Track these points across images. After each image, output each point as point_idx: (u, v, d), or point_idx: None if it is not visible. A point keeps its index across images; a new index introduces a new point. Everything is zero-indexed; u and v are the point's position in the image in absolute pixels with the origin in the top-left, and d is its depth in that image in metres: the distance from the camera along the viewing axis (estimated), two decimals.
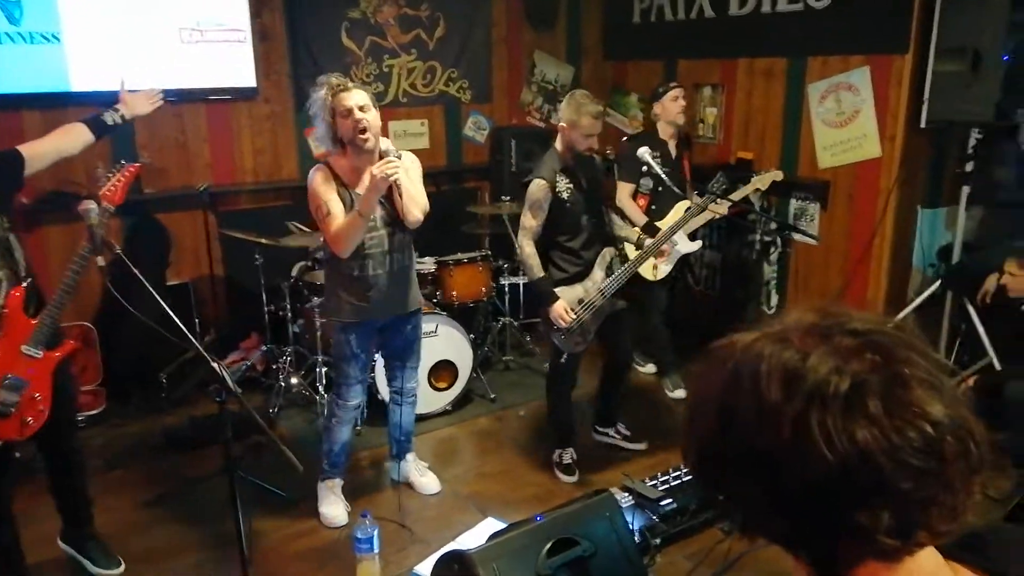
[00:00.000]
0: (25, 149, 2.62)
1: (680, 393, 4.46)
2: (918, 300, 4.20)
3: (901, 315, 4.17)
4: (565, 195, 3.28)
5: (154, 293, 2.19)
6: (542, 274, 3.29)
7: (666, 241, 3.56)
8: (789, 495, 0.70)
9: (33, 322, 2.47)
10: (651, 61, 5.59)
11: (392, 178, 2.81)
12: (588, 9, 5.95)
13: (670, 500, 3.15)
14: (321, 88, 2.91)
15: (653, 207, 4.35)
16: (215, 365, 2.19)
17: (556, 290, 3.30)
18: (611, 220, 3.60)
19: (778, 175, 4.02)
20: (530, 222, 3.27)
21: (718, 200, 3.79)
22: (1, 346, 2.41)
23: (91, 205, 2.36)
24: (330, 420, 3.23)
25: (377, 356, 3.51)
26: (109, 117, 2.87)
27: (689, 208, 4.05)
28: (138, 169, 2.77)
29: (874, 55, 4.18)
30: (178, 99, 4.52)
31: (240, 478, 2.70)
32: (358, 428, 3.89)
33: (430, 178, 5.33)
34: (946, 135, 4.16)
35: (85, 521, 2.94)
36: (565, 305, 3.27)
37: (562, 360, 3.48)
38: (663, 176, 3.72)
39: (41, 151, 2.67)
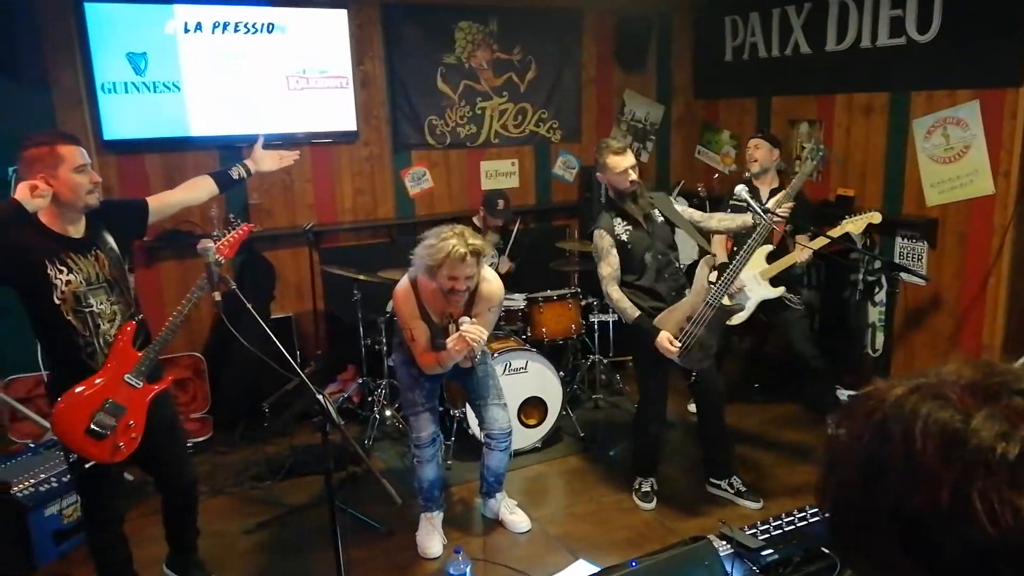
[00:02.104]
0: (153, 200, 2.82)
1: None
2: None
3: (1022, 361, 3.92)
4: (624, 237, 3.38)
5: (263, 325, 2.29)
6: (637, 313, 3.32)
7: (759, 242, 3.36)
8: (937, 562, 0.66)
9: (139, 354, 2.63)
10: (743, 98, 5.53)
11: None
12: (679, 48, 5.97)
13: (772, 551, 3.02)
14: (437, 243, 2.90)
15: (735, 248, 4.28)
16: (320, 397, 2.26)
17: (660, 318, 3.31)
18: (709, 223, 3.54)
19: (874, 217, 3.86)
20: (606, 269, 3.38)
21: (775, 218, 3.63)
22: (107, 373, 2.57)
23: (209, 244, 2.50)
24: (413, 460, 3.30)
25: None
26: (235, 172, 3.03)
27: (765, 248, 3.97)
28: (251, 229, 2.93)
29: (984, 88, 4.01)
30: (285, 143, 4.77)
31: (339, 508, 2.78)
32: (448, 463, 3.92)
33: (520, 216, 5.46)
34: None
35: (191, 549, 3.06)
36: (668, 335, 3.27)
37: (653, 395, 3.52)
38: (759, 213, 3.62)
39: (169, 202, 2.87)
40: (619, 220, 3.40)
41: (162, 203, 2.83)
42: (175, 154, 4.53)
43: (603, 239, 3.37)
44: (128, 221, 2.73)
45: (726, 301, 3.31)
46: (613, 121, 5.90)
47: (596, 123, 5.84)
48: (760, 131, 4.45)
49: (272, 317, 4.60)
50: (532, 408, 4.12)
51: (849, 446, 0.74)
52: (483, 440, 3.40)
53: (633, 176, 3.35)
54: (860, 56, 4.60)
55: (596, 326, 4.76)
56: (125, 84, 4.33)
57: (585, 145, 5.82)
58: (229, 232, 2.81)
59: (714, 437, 3.69)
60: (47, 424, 3.77)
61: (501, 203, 4.64)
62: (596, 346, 4.80)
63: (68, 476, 3.32)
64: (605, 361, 4.90)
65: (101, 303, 2.55)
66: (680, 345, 3.26)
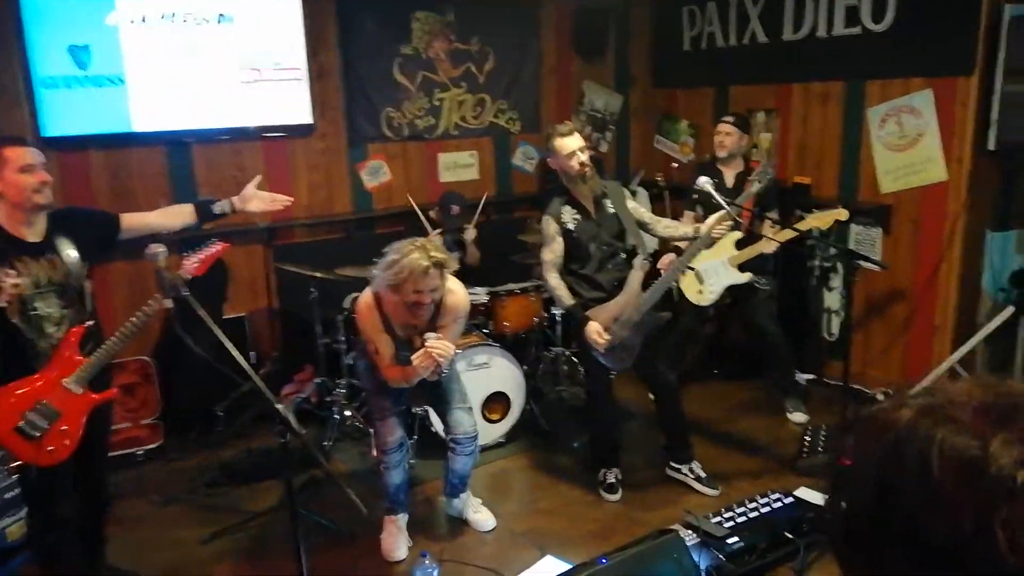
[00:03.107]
0: (129, 218, 2.81)
1: (799, 417, 4.29)
2: (990, 326, 4.01)
3: (971, 343, 4.00)
4: (571, 226, 3.42)
5: (219, 333, 2.21)
6: (572, 301, 3.41)
7: (692, 257, 3.45)
8: None
9: (83, 360, 2.58)
10: (702, 88, 5.54)
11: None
12: (637, 38, 5.94)
13: (737, 538, 3.03)
14: (400, 259, 2.83)
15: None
16: (278, 407, 2.19)
17: (591, 311, 3.37)
18: (656, 227, 3.55)
19: (842, 214, 3.89)
20: (548, 255, 3.45)
21: (740, 213, 3.68)
22: (46, 375, 2.54)
23: (159, 249, 2.47)
24: (380, 466, 3.22)
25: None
26: (219, 207, 3.00)
27: (737, 237, 4.01)
28: (225, 248, 2.86)
29: (937, 77, 4.06)
30: (236, 137, 4.64)
31: (300, 515, 2.70)
32: (412, 462, 3.86)
33: (474, 208, 5.39)
34: (1016, 156, 4.00)
35: (100, 553, 2.97)
36: (598, 327, 3.33)
37: (597, 383, 3.56)
38: (722, 205, 3.62)
39: (145, 223, 2.87)
40: (568, 208, 3.43)
41: (138, 222, 2.83)
42: (120, 151, 4.36)
43: (549, 225, 3.43)
44: (93, 231, 2.72)
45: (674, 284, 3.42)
46: (572, 111, 5.86)
47: (555, 113, 5.78)
48: (730, 115, 4.44)
49: (224, 317, 4.47)
50: (495, 403, 4.07)
51: (860, 467, 0.71)
52: (448, 443, 3.32)
53: (582, 158, 3.36)
54: (816, 45, 4.63)
55: (559, 318, 4.72)
56: (68, 79, 4.14)
57: (545, 135, 5.76)
58: (203, 250, 2.76)
59: (672, 424, 3.72)
60: None
61: (456, 209, 4.58)
62: (559, 338, 4.76)
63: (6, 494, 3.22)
64: (568, 353, 4.87)
65: (49, 307, 2.54)
66: (607, 339, 3.31)
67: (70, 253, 2.60)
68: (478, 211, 4.74)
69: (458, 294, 3.10)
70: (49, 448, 2.52)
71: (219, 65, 4.50)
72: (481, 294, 4.34)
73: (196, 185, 4.57)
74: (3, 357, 2.54)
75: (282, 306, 4.68)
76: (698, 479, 3.66)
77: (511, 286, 4.43)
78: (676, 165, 5.68)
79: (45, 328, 2.53)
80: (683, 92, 5.75)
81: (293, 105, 4.75)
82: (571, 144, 3.34)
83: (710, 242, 3.39)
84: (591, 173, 3.40)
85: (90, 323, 2.65)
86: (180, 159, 4.54)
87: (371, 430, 4.09)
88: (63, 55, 4.11)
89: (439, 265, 2.84)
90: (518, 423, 4.18)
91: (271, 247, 4.65)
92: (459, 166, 5.48)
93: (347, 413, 4.24)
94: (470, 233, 4.60)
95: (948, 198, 4.09)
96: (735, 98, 5.26)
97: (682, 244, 3.67)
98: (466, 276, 4.54)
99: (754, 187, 3.54)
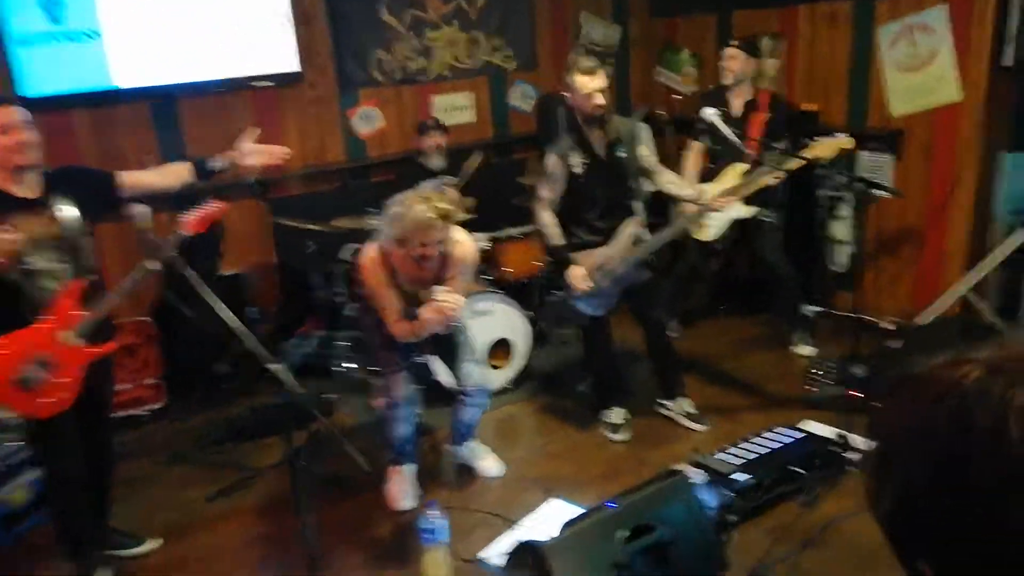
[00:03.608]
0: (127, 176, 2.76)
1: (805, 349, 4.21)
2: (1003, 250, 3.88)
3: (983, 268, 3.88)
4: (578, 170, 3.33)
5: (207, 293, 2.17)
6: (561, 241, 3.37)
7: (689, 223, 3.56)
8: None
9: (79, 313, 2.57)
10: (703, 15, 5.31)
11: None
12: None
13: (744, 474, 3.00)
14: (403, 211, 2.77)
15: (712, 165, 4.18)
16: (273, 366, 2.16)
17: (575, 255, 3.34)
18: (655, 178, 3.49)
19: (846, 143, 3.72)
20: (546, 193, 3.39)
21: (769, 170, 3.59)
22: (43, 328, 2.53)
23: (144, 210, 2.45)
24: (387, 417, 3.18)
25: None
26: (217, 163, 2.90)
27: (746, 171, 3.88)
28: (223, 210, 2.81)
29: None
30: (223, 89, 4.50)
31: (304, 469, 2.69)
32: (419, 412, 3.83)
33: (478, 151, 5.25)
34: None
35: (104, 513, 2.95)
36: (582, 271, 3.32)
37: (590, 322, 3.53)
38: (729, 136, 3.50)
39: (142, 183, 2.80)
40: (577, 149, 3.31)
41: (135, 181, 2.77)
42: (103, 109, 4.23)
43: (556, 165, 3.36)
44: (90, 189, 2.68)
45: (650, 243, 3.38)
46: (570, 46, 5.64)
47: (552, 49, 5.58)
48: (735, 40, 4.26)
49: (222, 274, 4.39)
50: (499, 350, 4.02)
51: (915, 437, 0.61)
52: (457, 395, 3.28)
53: (600, 100, 3.24)
54: None
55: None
56: (42, 35, 3.99)
57: (542, 73, 5.58)
58: (202, 207, 2.70)
59: (659, 359, 3.71)
60: None
61: (431, 121, 4.57)
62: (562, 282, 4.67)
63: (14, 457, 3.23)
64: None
65: (47, 262, 2.52)
66: (588, 285, 3.31)
67: (67, 209, 2.57)
68: (474, 166, 4.58)
69: (465, 245, 3.03)
70: (46, 400, 2.53)
71: (198, 15, 4.33)
72: (482, 240, 4.24)
73: (185, 141, 4.46)
74: (2, 312, 2.53)
75: (280, 260, 4.61)
76: (686, 415, 3.64)
77: (512, 231, 4.34)
78: (679, 97, 5.50)
79: (43, 283, 2.53)
80: (683, 20, 5.52)
81: (280, 53, 4.58)
82: (591, 84, 3.21)
83: (709, 211, 3.41)
84: (609, 117, 3.30)
85: (93, 278, 2.65)
86: (166, 115, 4.41)
87: (375, 381, 4.07)
88: (35, 10, 3.95)
89: (445, 216, 2.77)
90: (524, 369, 4.14)
91: (266, 201, 4.54)
92: (454, 108, 5.32)
93: (351, 365, 4.20)
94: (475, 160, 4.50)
95: (962, 119, 3.93)
96: (738, 23, 5.05)
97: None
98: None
99: (765, 179, 3.52)
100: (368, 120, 5.07)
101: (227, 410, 4.04)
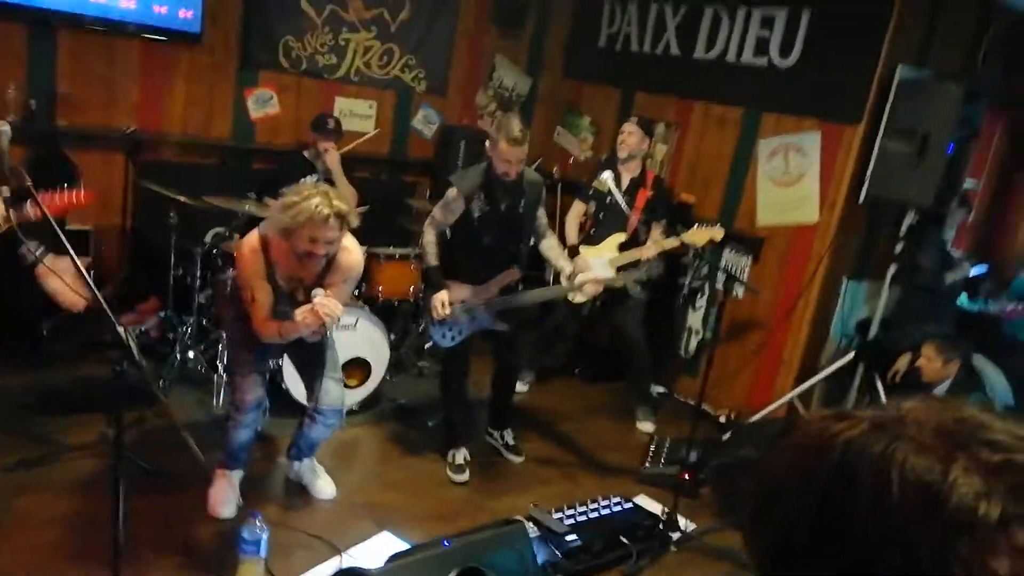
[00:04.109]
0: None
1: (647, 426, 4.38)
2: (830, 368, 4.30)
3: (812, 381, 4.27)
4: (476, 213, 3.39)
5: (64, 240, 1.94)
6: (436, 263, 3.41)
7: (551, 296, 3.84)
8: None
9: None
10: (609, 87, 5.56)
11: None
12: (556, 21, 5.86)
13: (575, 537, 3.07)
14: (299, 201, 2.62)
15: (592, 232, 4.35)
16: (120, 330, 1.94)
17: (448, 283, 3.40)
18: (541, 239, 3.60)
19: (717, 234, 4.01)
20: (438, 215, 3.45)
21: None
22: None
23: (3, 127, 2.13)
24: (227, 420, 2.98)
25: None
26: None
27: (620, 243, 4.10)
28: (84, 202, 2.56)
29: (827, 122, 4.28)
30: (112, 29, 4.14)
31: (124, 454, 2.45)
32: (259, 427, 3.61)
33: (370, 164, 5.16)
34: (883, 211, 4.29)
35: None
36: (445, 299, 3.37)
37: (454, 361, 3.61)
38: (620, 202, 3.67)
39: None
40: (481, 194, 3.37)
41: None
42: None
43: (456, 199, 3.38)
44: None
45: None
46: (481, 83, 5.72)
47: (464, 81, 5.63)
48: (636, 117, 4.49)
49: (67, 228, 3.98)
50: (355, 368, 3.90)
51: (795, 487, 0.62)
52: (309, 411, 3.11)
53: (515, 170, 3.31)
54: (724, 68, 4.76)
55: None
56: None
57: (450, 101, 5.60)
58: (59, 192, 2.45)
59: (500, 393, 3.85)
60: None
61: (331, 122, 4.38)
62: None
63: None
64: None
65: None
66: (446, 313, 3.35)
67: None
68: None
69: (354, 253, 2.93)
70: None
71: None
72: (356, 213, 4.11)
73: (57, 76, 4.05)
74: None
75: (135, 226, 4.25)
76: (506, 446, 3.84)
77: (392, 250, 4.26)
78: (572, 160, 5.70)
79: None
80: (590, 87, 5.74)
81: (182, 7, 4.30)
82: (514, 154, 3.25)
83: (574, 290, 3.60)
84: (512, 183, 3.35)
85: None
86: (42, 43, 4.00)
87: (215, 375, 3.82)
88: None
89: (340, 216, 2.65)
90: (375, 393, 4.04)
91: (135, 160, 4.19)
92: (355, 115, 5.21)
93: (191, 355, 3.92)
94: (332, 156, 4.24)
95: (815, 240, 4.34)
96: (639, 104, 5.32)
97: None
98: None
99: (638, 275, 3.79)
100: (263, 103, 4.86)
101: (41, 376, 3.63)
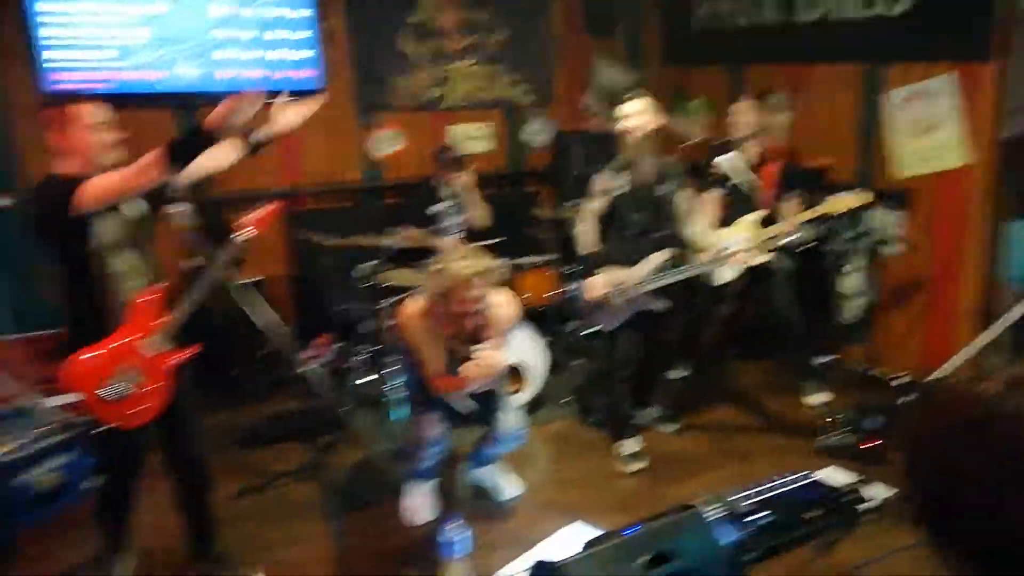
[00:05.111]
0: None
1: (816, 399, 4.26)
2: (1012, 315, 4.03)
3: (994, 330, 4.02)
4: (618, 191, 3.53)
5: (258, 296, 2.18)
6: (591, 249, 3.56)
7: (705, 268, 3.75)
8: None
9: (160, 319, 2.50)
10: (715, 67, 5.51)
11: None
12: (648, 15, 5.88)
13: (761, 514, 3.05)
14: (444, 266, 2.84)
15: (724, 218, 4.30)
16: (309, 368, 2.17)
17: (603, 268, 3.50)
18: (683, 223, 3.64)
19: (864, 198, 3.87)
20: (591, 205, 3.60)
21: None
22: (125, 336, 2.45)
23: (181, 207, 2.49)
24: (412, 454, 3.13)
25: None
26: (260, 135, 2.69)
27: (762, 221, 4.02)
28: (280, 207, 2.83)
29: (959, 62, 4.07)
30: (245, 94, 4.53)
31: (325, 477, 2.68)
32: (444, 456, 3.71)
33: (492, 181, 5.35)
34: None
35: (209, 537, 2.85)
36: (600, 281, 3.48)
37: (615, 348, 3.64)
38: (743, 185, 3.65)
39: (196, 166, 2.59)
40: (622, 173, 3.51)
41: (192, 168, 2.59)
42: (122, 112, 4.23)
43: (598, 182, 3.56)
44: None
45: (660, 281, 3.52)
46: (585, 86, 5.81)
47: (569, 87, 5.74)
48: (746, 94, 4.43)
49: (241, 281, 4.37)
50: (515, 375, 4.05)
51: (934, 445, 0.68)
52: (489, 435, 3.25)
53: (633, 123, 3.46)
54: (831, 27, 4.62)
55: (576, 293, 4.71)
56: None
57: (557, 109, 5.73)
58: (261, 207, 2.72)
59: (651, 366, 3.90)
60: (18, 388, 3.56)
61: (450, 152, 4.65)
62: (576, 313, 4.75)
63: (45, 441, 3.22)
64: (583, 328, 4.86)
65: (124, 263, 2.45)
66: (600, 294, 3.45)
67: (140, 207, 2.51)
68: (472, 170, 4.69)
69: (507, 306, 3.08)
70: (134, 410, 2.45)
71: (231, 25, 4.41)
72: (501, 267, 4.30)
73: None
74: (80, 315, 2.47)
75: (297, 272, 4.61)
76: (656, 419, 3.97)
77: (530, 259, 4.41)
78: (688, 143, 5.66)
79: (122, 286, 2.46)
80: (696, 71, 5.71)
81: (302, 69, 4.68)
82: (627, 109, 3.48)
83: (724, 262, 3.62)
84: (640, 142, 3.47)
85: (165, 283, 2.58)
86: (186, 123, 4.43)
87: (390, 399, 4.04)
88: None
89: (484, 274, 2.84)
90: (537, 395, 4.17)
91: (287, 213, 4.56)
92: (470, 138, 5.42)
93: (365, 380, 4.21)
94: (464, 181, 4.54)
95: (969, 183, 4.11)
96: (751, 78, 5.24)
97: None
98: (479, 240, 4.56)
99: (787, 240, 3.58)
100: (385, 143, 5.15)
101: (238, 415, 4.01)
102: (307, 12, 4.61)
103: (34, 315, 4.02)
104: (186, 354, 2.62)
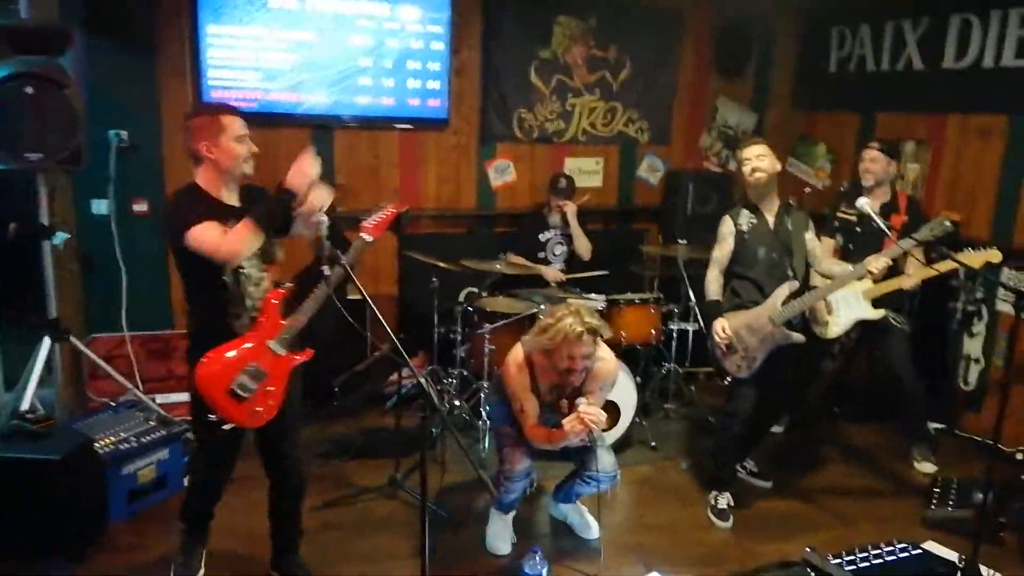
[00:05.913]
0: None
1: (927, 467, 4.01)
2: None
3: None
4: (744, 227, 3.46)
5: (373, 308, 2.28)
6: (716, 298, 3.50)
7: (838, 286, 3.48)
8: None
9: (284, 322, 2.62)
10: (846, 112, 5.31)
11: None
12: (780, 57, 5.76)
13: None
14: (554, 323, 2.87)
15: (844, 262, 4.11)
16: (422, 381, 2.21)
17: (727, 312, 3.43)
18: (812, 262, 3.54)
19: (995, 256, 3.59)
20: (716, 252, 3.54)
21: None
22: (253, 337, 2.57)
23: (323, 218, 2.51)
24: (498, 486, 3.09)
25: None
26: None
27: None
28: (400, 210, 2.87)
29: None
30: (371, 125, 4.79)
31: (408, 496, 2.71)
32: (534, 477, 3.62)
33: (600, 216, 5.36)
34: None
35: (293, 548, 2.93)
36: (725, 323, 3.39)
37: (735, 396, 3.49)
38: (880, 226, 3.43)
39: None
40: (746, 212, 3.47)
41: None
42: (264, 130, 4.55)
43: (725, 225, 3.52)
44: (274, 204, 2.65)
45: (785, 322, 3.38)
46: (703, 126, 5.74)
47: (687, 126, 5.69)
48: (876, 142, 4.24)
49: (349, 298, 4.58)
50: (606, 412, 3.99)
51: None
52: (583, 474, 3.20)
53: (753, 164, 3.39)
54: (981, 75, 4.36)
55: (675, 334, 4.62)
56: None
57: (673, 147, 5.68)
58: (380, 212, 2.77)
59: (762, 422, 3.73)
60: (128, 384, 3.86)
61: (563, 181, 4.78)
62: (672, 354, 4.66)
63: (148, 437, 3.40)
64: (680, 371, 4.76)
65: (252, 268, 2.58)
66: (729, 337, 3.36)
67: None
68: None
69: (610, 362, 3.08)
70: (258, 409, 2.56)
71: (368, 55, 4.67)
72: (599, 301, 4.29)
73: (334, 168, 4.74)
74: (206, 317, 2.59)
75: (402, 293, 4.78)
76: (751, 473, 3.86)
77: (631, 295, 4.36)
78: (809, 190, 5.47)
79: (249, 290, 2.57)
80: (825, 116, 5.53)
81: (431, 98, 4.88)
82: (747, 152, 3.44)
83: (862, 275, 3.39)
84: (762, 182, 3.41)
85: (289, 285, 2.69)
86: (322, 143, 4.71)
87: (479, 422, 4.10)
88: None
89: (593, 332, 2.85)
90: (625, 435, 4.10)
91: (398, 235, 4.74)
92: (584, 172, 5.46)
93: (456, 403, 4.28)
94: (570, 209, 4.70)
95: None
96: (881, 125, 5.02)
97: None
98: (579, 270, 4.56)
99: (923, 233, 3.36)
100: (501, 173, 5.27)
101: (334, 427, 4.16)
102: (441, 46, 4.82)
103: (147, 316, 4.33)
104: (305, 357, 2.69)
